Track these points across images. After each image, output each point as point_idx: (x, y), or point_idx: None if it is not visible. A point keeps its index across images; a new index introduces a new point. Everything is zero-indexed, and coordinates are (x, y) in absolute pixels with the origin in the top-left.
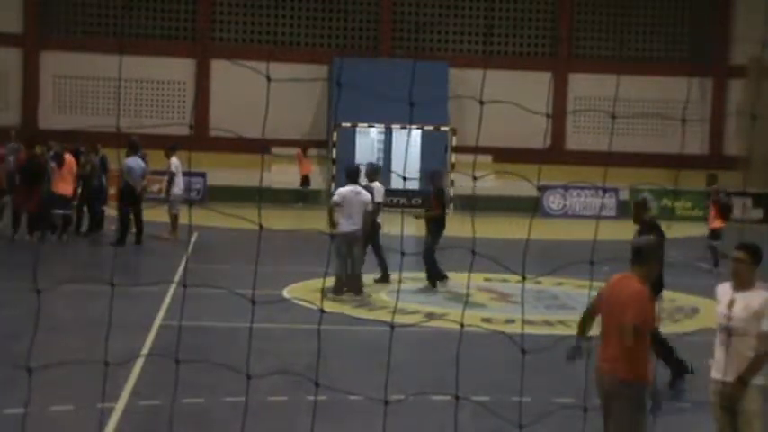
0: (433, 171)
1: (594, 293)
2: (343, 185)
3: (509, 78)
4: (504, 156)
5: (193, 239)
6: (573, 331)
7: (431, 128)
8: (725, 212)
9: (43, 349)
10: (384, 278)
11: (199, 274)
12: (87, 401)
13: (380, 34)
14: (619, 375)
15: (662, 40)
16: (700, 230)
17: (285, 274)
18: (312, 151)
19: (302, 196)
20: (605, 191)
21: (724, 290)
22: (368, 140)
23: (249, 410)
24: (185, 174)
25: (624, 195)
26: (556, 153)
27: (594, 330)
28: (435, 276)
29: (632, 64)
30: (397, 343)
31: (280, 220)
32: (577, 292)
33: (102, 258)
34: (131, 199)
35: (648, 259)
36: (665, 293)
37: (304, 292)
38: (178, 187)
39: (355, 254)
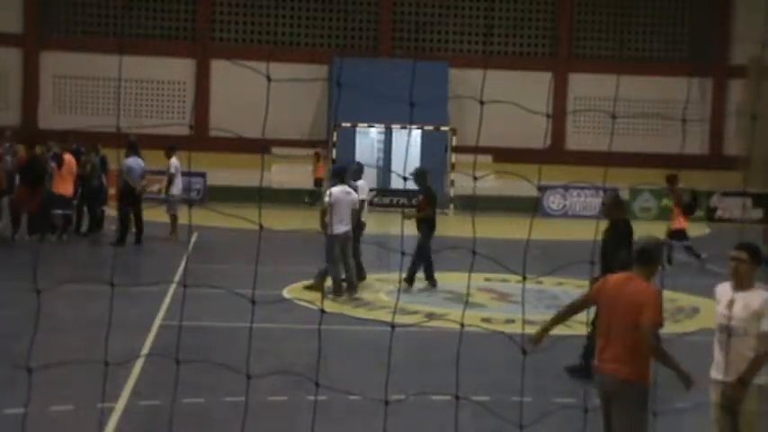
0: (418, 170)
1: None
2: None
3: (509, 78)
4: (504, 156)
5: (193, 239)
6: (573, 331)
7: (431, 128)
8: (687, 212)
9: (43, 349)
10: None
11: (199, 274)
12: (87, 401)
13: (380, 34)
14: (620, 376)
15: (662, 40)
16: (700, 231)
17: (285, 274)
18: (311, 151)
19: (317, 196)
20: (605, 191)
21: (724, 290)
22: (368, 140)
23: (249, 410)
24: (185, 174)
25: (624, 195)
26: (556, 153)
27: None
28: (431, 276)
29: (632, 64)
30: (397, 343)
31: (279, 219)
32: (577, 292)
33: (102, 258)
34: (131, 199)
35: (653, 259)
36: (666, 294)
37: (304, 292)
38: (177, 188)
39: (347, 254)
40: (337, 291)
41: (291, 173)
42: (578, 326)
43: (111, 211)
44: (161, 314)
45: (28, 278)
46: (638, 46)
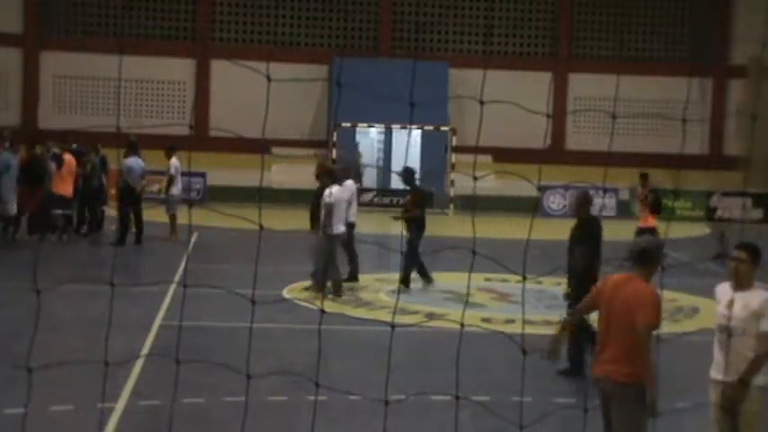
0: (405, 168)
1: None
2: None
3: (509, 78)
4: (504, 156)
5: (193, 239)
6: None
7: (431, 128)
8: (656, 210)
9: (43, 349)
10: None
11: (199, 274)
12: (87, 401)
13: (380, 34)
14: (618, 377)
15: (662, 40)
16: (700, 230)
17: (285, 274)
18: (311, 151)
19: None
20: (605, 191)
21: (723, 290)
22: (368, 140)
23: (249, 410)
24: (185, 174)
25: (624, 195)
26: (556, 153)
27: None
28: (425, 275)
29: (632, 64)
30: (397, 343)
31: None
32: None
33: (102, 258)
34: (131, 199)
35: (652, 260)
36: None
37: (304, 292)
38: (177, 188)
39: (346, 253)
40: (338, 291)
41: (291, 173)
42: None
43: (111, 211)
44: (161, 314)
45: (28, 278)
46: (638, 46)
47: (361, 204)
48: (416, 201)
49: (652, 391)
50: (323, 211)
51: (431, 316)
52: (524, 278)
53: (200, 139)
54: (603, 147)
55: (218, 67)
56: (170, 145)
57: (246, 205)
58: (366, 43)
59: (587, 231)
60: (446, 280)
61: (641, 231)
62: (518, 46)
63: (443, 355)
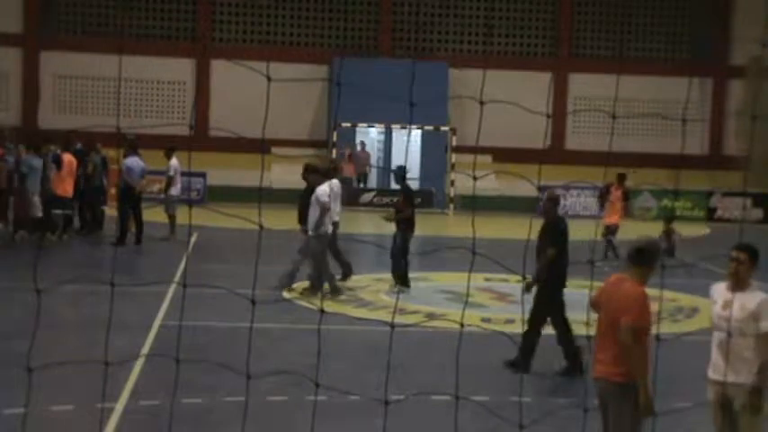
0: (399, 168)
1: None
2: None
3: (509, 78)
4: (504, 156)
5: (193, 239)
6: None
7: (431, 128)
8: (626, 206)
9: (43, 349)
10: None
11: (199, 274)
12: (87, 401)
13: (380, 34)
14: (614, 378)
15: (662, 39)
16: (700, 230)
17: None
18: (311, 151)
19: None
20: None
21: (719, 290)
22: (368, 140)
23: (249, 410)
24: (185, 174)
25: None
26: (556, 153)
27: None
28: (403, 278)
29: (632, 64)
30: (397, 343)
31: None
32: (577, 292)
33: (102, 258)
34: (131, 199)
35: (649, 260)
36: (666, 293)
37: (305, 291)
38: (176, 188)
39: (331, 252)
40: (335, 290)
41: (292, 173)
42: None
43: (110, 211)
44: (161, 314)
45: (28, 278)
46: (638, 46)
47: (361, 204)
48: (409, 200)
49: (643, 392)
50: (318, 211)
51: (431, 316)
52: (524, 278)
53: (200, 139)
54: (603, 147)
55: (218, 67)
56: (170, 146)
57: (246, 205)
58: (366, 43)
59: (555, 232)
60: (446, 280)
61: (609, 228)
62: (518, 46)
63: (443, 355)
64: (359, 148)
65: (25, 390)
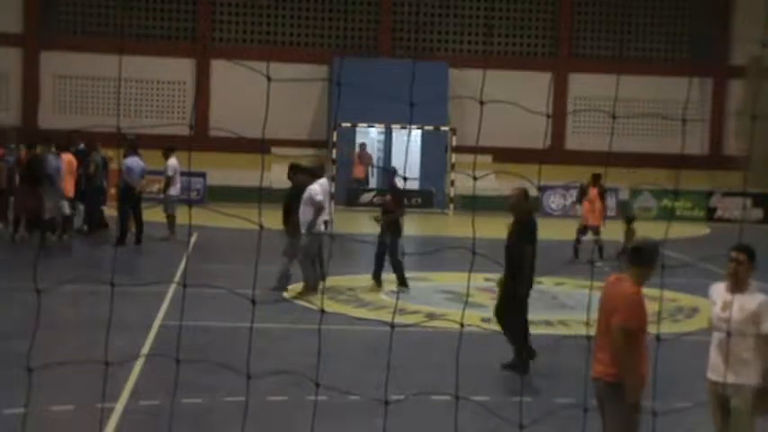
0: (388, 169)
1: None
2: (342, 185)
3: (509, 78)
4: (504, 156)
5: (193, 239)
6: (573, 331)
7: (431, 128)
8: (604, 205)
9: (43, 349)
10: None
11: (199, 274)
12: (87, 401)
13: (380, 34)
14: (609, 378)
15: (662, 39)
16: (700, 230)
17: None
18: (311, 151)
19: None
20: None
21: (718, 291)
22: (368, 140)
23: (249, 410)
24: (185, 174)
25: (624, 195)
26: (556, 153)
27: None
28: (377, 278)
29: (632, 64)
30: (397, 343)
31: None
32: (577, 292)
33: (102, 258)
34: (131, 199)
35: (647, 260)
36: (666, 293)
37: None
38: (175, 188)
39: (322, 253)
40: (312, 289)
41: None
42: (578, 326)
43: (110, 211)
44: (161, 314)
45: (28, 278)
46: (639, 46)
47: (361, 204)
48: (398, 201)
49: (631, 392)
50: (311, 210)
51: (431, 316)
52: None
53: (200, 139)
54: (603, 147)
55: (218, 67)
56: (168, 146)
57: (246, 205)
58: (366, 43)
59: (524, 230)
60: (446, 280)
61: (587, 229)
62: (518, 46)
63: (443, 355)
64: (359, 149)
65: (25, 390)
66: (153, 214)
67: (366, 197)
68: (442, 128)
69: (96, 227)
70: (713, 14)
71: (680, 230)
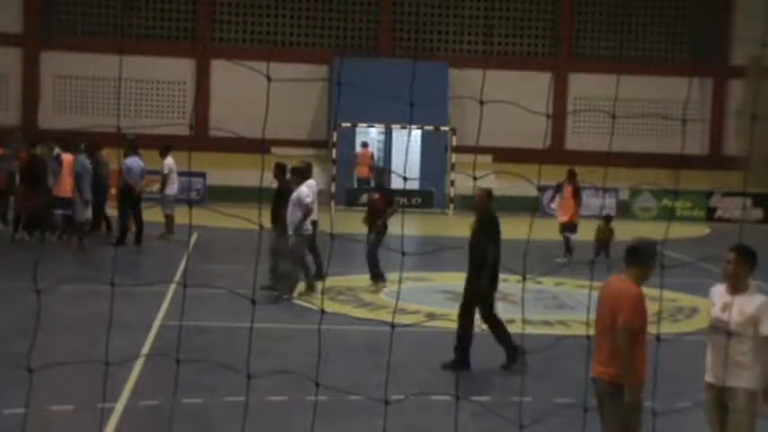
0: (377, 168)
1: (594, 293)
2: (342, 185)
3: (509, 78)
4: (504, 156)
5: (193, 239)
6: (572, 331)
7: (431, 128)
8: (579, 205)
9: (43, 349)
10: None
11: (199, 274)
12: (87, 401)
13: (380, 34)
14: (609, 378)
15: (662, 39)
16: (700, 230)
17: None
18: (311, 151)
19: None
20: (605, 191)
21: (718, 292)
22: (368, 140)
23: (249, 410)
24: (185, 174)
25: (624, 195)
26: (556, 153)
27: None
28: (376, 276)
29: (633, 64)
30: (398, 343)
31: None
32: (577, 291)
33: (102, 258)
34: (131, 199)
35: (643, 260)
36: (666, 293)
37: (303, 293)
38: (172, 188)
39: (319, 253)
40: (292, 289)
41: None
42: (578, 325)
43: (111, 210)
44: (161, 314)
45: (28, 278)
46: (639, 46)
47: (361, 205)
48: (389, 201)
49: (633, 391)
50: (300, 211)
51: (431, 316)
52: (524, 278)
53: (200, 138)
54: (603, 147)
55: (218, 67)
56: (165, 145)
57: (246, 205)
58: (366, 43)
59: (487, 229)
60: (446, 280)
61: (566, 226)
62: (518, 46)
63: (443, 355)
64: (359, 148)
65: (25, 390)
66: (153, 214)
67: (365, 197)
68: (442, 128)
69: (100, 227)
70: (713, 14)
71: (680, 230)
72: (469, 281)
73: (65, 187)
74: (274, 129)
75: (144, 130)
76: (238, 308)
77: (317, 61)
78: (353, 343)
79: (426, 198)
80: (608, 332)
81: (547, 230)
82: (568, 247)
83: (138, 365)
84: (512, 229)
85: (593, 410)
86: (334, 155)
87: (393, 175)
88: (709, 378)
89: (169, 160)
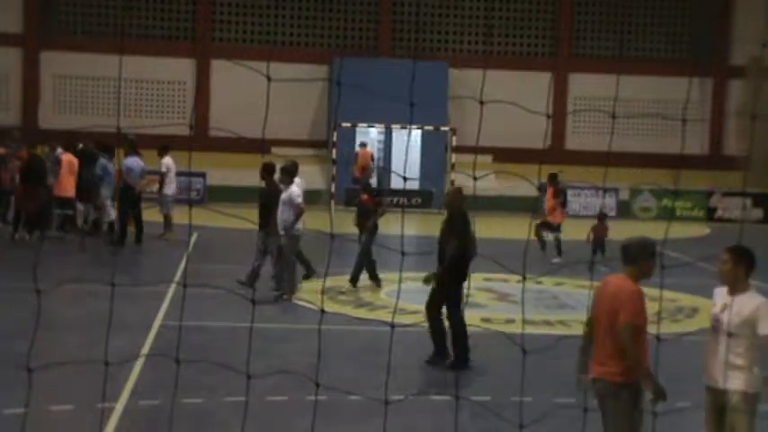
0: (367, 167)
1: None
2: (342, 185)
3: (509, 78)
4: (504, 156)
5: (193, 239)
6: (573, 331)
7: (431, 128)
8: (564, 205)
9: (43, 349)
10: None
11: (199, 274)
12: (87, 401)
13: (380, 34)
14: (609, 378)
15: (662, 39)
16: (700, 230)
17: None
18: (311, 151)
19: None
20: (605, 191)
21: (720, 293)
22: (368, 140)
23: (249, 410)
24: (185, 174)
25: (624, 195)
26: (556, 153)
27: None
28: (355, 278)
29: (632, 64)
30: (398, 343)
31: None
32: (577, 292)
33: (102, 258)
34: (131, 199)
35: (637, 258)
36: (666, 293)
37: (304, 292)
38: (170, 187)
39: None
40: (292, 292)
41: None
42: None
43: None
44: (161, 314)
45: (28, 278)
46: (638, 46)
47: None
48: (377, 201)
49: (650, 383)
50: (291, 211)
51: None
52: (524, 278)
53: (200, 138)
54: (603, 147)
55: (218, 67)
56: (163, 145)
57: (246, 205)
58: (366, 43)
59: (456, 225)
60: None
61: (549, 226)
62: (518, 46)
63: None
64: (360, 147)
65: (25, 390)
66: (152, 214)
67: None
68: (442, 128)
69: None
70: (713, 14)
71: (680, 230)
72: (438, 278)
73: (65, 187)
74: (274, 129)
75: (144, 130)
76: (238, 308)
77: (317, 61)
78: (353, 343)
79: (426, 198)
80: (607, 332)
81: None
82: (543, 246)
83: (138, 365)
84: (512, 229)
85: (594, 410)
86: (334, 155)
87: (392, 175)
88: (707, 380)
89: (167, 160)
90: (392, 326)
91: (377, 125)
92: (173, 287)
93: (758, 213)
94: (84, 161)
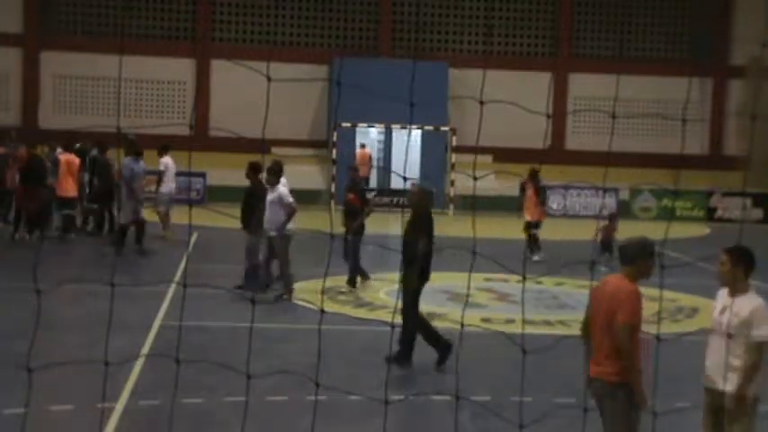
0: (352, 167)
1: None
2: (342, 185)
3: (509, 78)
4: (504, 156)
5: (193, 239)
6: (573, 331)
7: (431, 128)
8: (544, 203)
9: (43, 349)
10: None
11: (199, 274)
12: (87, 401)
13: (380, 34)
14: (607, 378)
15: (662, 39)
16: (700, 230)
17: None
18: (311, 151)
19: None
20: (605, 191)
21: (722, 294)
22: (368, 140)
23: (249, 410)
24: (185, 174)
25: (624, 195)
26: (556, 153)
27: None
28: (362, 273)
29: (632, 64)
30: (397, 343)
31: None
32: (577, 291)
33: (102, 258)
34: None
35: (634, 258)
36: (666, 293)
37: (304, 292)
38: (167, 186)
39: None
40: (291, 290)
41: (292, 173)
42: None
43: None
44: (161, 314)
45: (28, 278)
46: (638, 46)
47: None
48: (364, 200)
49: (638, 390)
50: (282, 211)
51: (431, 316)
52: (524, 278)
53: (199, 138)
54: (603, 147)
55: (219, 67)
56: (163, 144)
57: None
58: (366, 43)
59: (420, 224)
60: (446, 280)
61: (530, 224)
62: (518, 46)
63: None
64: (360, 148)
65: (25, 390)
66: (152, 214)
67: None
68: (442, 128)
69: (98, 227)
70: (713, 14)
71: (680, 230)
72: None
73: (65, 187)
74: (274, 129)
75: (144, 130)
76: (238, 308)
77: (317, 61)
78: (353, 343)
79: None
80: (605, 332)
81: (547, 231)
82: (535, 243)
83: (138, 365)
84: (512, 229)
85: (594, 410)
86: (334, 155)
87: (392, 175)
88: (705, 382)
89: (166, 159)
90: (392, 326)
91: (377, 125)
92: (173, 287)
93: (758, 213)
94: (95, 166)
